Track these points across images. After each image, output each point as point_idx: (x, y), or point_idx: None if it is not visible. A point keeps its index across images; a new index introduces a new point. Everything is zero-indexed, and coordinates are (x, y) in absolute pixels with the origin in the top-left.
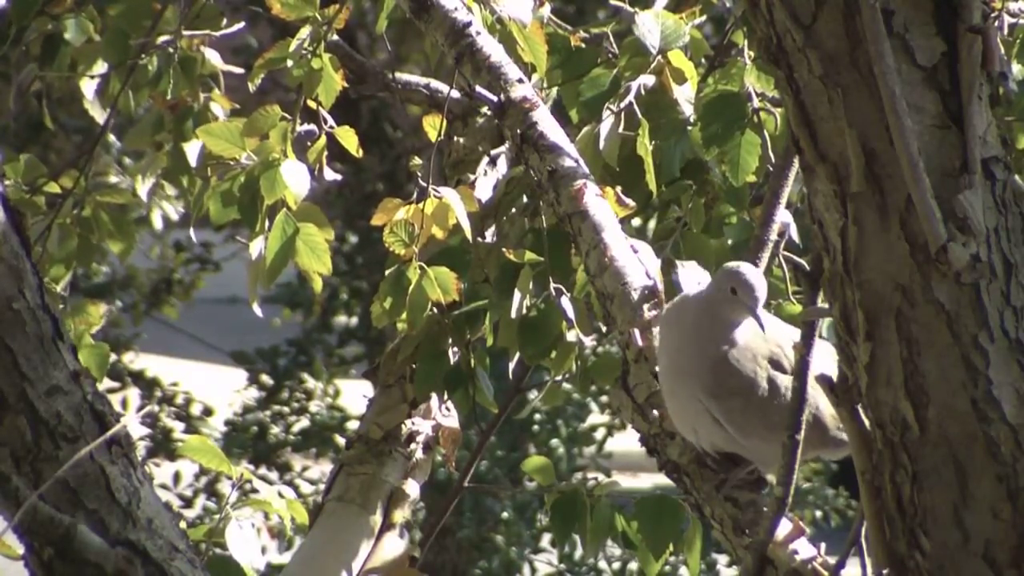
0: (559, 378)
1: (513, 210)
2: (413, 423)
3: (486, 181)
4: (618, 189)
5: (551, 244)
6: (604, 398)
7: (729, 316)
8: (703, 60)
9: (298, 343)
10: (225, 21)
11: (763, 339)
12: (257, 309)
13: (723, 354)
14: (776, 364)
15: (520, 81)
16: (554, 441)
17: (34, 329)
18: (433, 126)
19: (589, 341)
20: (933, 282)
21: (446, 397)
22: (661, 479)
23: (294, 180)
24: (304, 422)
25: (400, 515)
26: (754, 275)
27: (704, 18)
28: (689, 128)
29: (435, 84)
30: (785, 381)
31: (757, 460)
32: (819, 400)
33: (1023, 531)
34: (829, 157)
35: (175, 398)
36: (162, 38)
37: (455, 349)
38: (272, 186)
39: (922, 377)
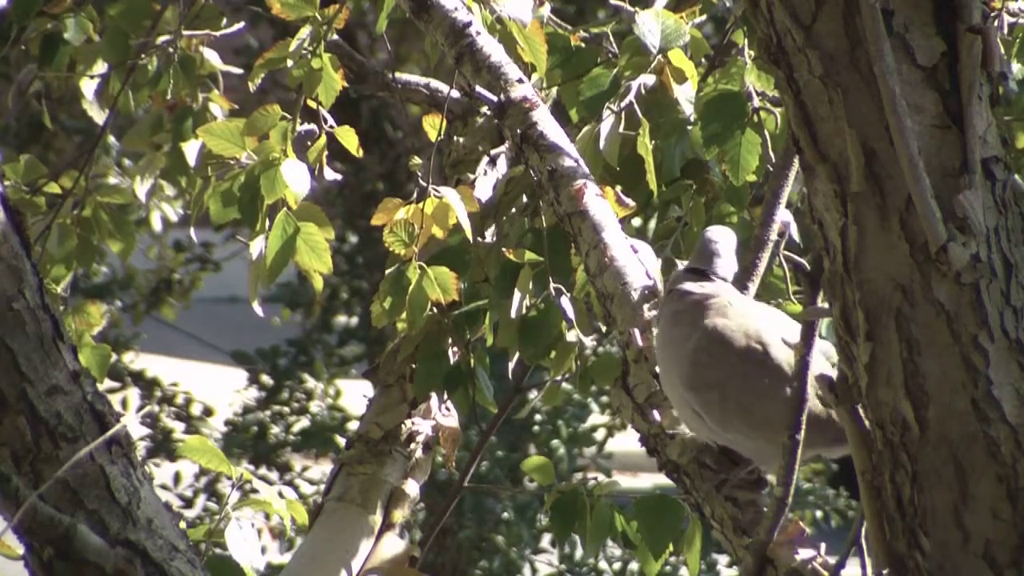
0: (559, 378)
1: (513, 210)
2: (413, 423)
3: (486, 181)
4: (618, 189)
5: (551, 244)
6: (604, 398)
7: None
8: (703, 60)
9: (298, 343)
10: (225, 21)
11: (744, 334)
12: (258, 308)
13: (699, 347)
14: (753, 358)
15: (520, 81)
16: (554, 441)
17: (34, 329)
18: (433, 126)
19: (589, 341)
20: (933, 282)
21: (446, 397)
22: (661, 479)
23: (294, 179)
24: (304, 422)
25: (400, 515)
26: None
27: (704, 18)
28: (689, 128)
29: (435, 84)
30: (763, 376)
31: (753, 457)
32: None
33: (1023, 531)
34: (829, 157)
35: (175, 398)
36: (162, 38)
37: (455, 349)
38: (272, 186)
39: (922, 377)
